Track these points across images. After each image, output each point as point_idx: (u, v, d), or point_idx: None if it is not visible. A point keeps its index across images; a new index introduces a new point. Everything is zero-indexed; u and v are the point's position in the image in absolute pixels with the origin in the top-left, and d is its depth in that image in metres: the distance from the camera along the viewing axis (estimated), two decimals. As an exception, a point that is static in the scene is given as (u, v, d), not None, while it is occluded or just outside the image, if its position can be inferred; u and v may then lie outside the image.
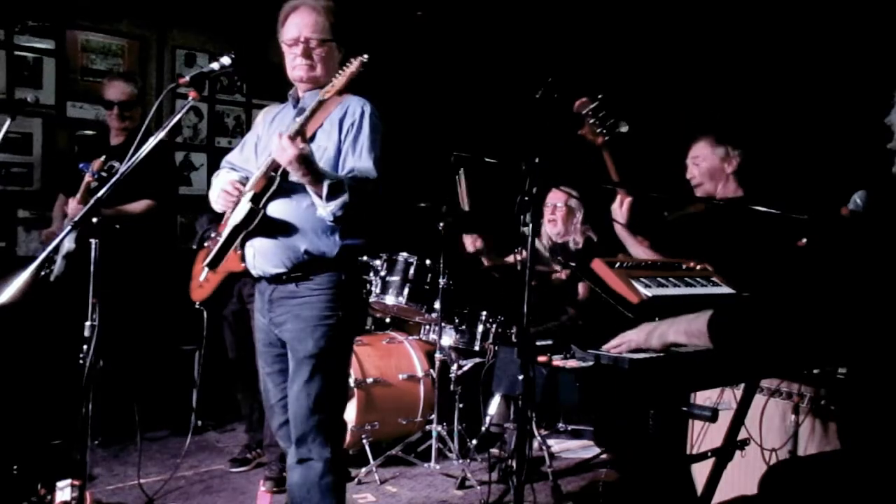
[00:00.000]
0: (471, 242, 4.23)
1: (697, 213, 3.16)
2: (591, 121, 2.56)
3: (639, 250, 2.86)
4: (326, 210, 2.36)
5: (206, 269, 2.65)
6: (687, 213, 3.19)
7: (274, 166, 2.41)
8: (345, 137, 2.48)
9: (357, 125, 2.47)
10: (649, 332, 1.83)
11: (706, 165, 3.18)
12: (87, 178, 3.64)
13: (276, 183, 2.43)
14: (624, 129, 2.55)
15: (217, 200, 2.59)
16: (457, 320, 4.21)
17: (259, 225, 2.46)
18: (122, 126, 4.13)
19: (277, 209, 2.48)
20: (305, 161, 2.30)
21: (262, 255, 2.53)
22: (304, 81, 2.57)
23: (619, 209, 2.87)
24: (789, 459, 2.59)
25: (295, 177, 2.37)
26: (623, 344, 1.84)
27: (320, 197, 2.35)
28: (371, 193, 2.42)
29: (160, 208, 4.07)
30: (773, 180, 3.67)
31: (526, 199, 1.89)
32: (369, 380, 4.01)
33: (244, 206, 2.46)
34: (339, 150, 2.49)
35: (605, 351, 1.80)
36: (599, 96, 2.36)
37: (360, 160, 2.46)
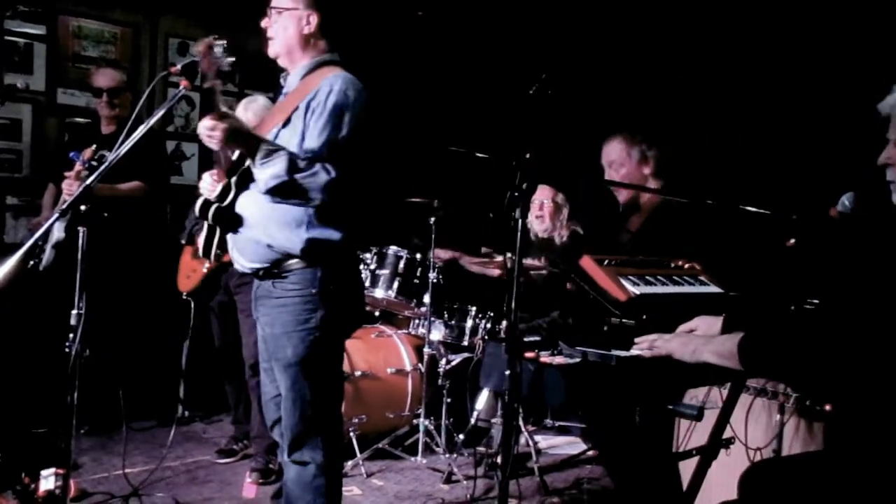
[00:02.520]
0: (441, 256, 4.22)
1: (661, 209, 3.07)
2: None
3: None
4: (260, 179, 2.28)
5: (204, 259, 2.65)
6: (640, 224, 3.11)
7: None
8: (309, 118, 2.36)
9: (322, 105, 2.34)
10: (685, 343, 1.82)
11: (625, 171, 3.07)
12: (78, 166, 3.62)
13: (246, 161, 2.38)
14: None
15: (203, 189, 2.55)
16: (446, 315, 4.22)
17: (231, 207, 2.42)
18: (112, 114, 4.12)
19: (242, 203, 2.44)
20: (232, 133, 2.25)
21: (237, 250, 2.50)
22: (281, 58, 2.51)
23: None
24: (769, 459, 2.60)
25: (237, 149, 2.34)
26: (655, 348, 1.85)
27: (255, 165, 2.28)
28: (315, 175, 2.27)
29: (151, 192, 4.04)
30: (762, 181, 3.69)
31: (516, 195, 1.89)
32: (357, 373, 4.01)
33: (221, 183, 2.45)
34: (303, 134, 2.37)
35: (593, 349, 1.80)
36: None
37: (311, 140, 2.34)
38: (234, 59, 2.48)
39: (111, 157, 2.31)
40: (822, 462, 1.75)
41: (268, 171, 2.26)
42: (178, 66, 2.36)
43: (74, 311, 2.32)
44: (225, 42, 2.41)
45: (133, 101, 4.21)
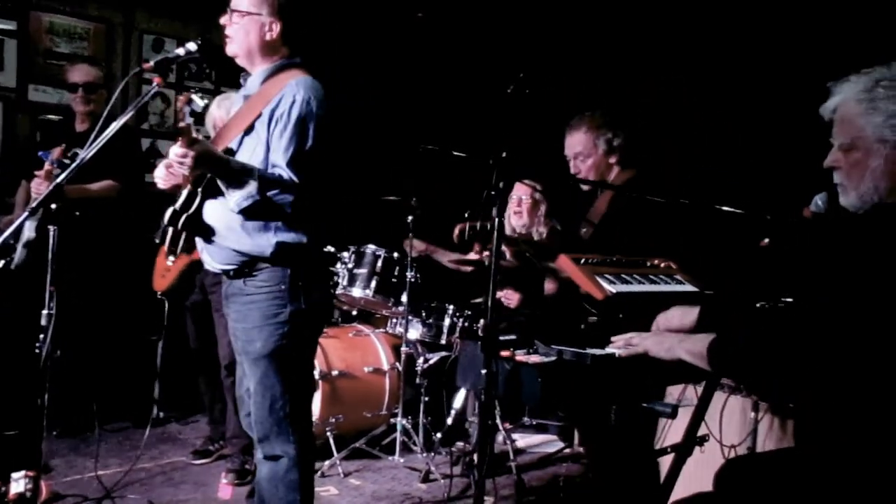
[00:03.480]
0: (415, 248, 4.21)
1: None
2: (480, 240, 2.51)
3: None
4: (232, 201, 2.29)
5: (170, 255, 2.62)
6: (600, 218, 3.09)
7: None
8: (273, 129, 2.35)
9: (286, 116, 2.33)
10: (660, 342, 1.85)
11: (591, 161, 3.00)
12: (47, 166, 3.56)
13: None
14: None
15: (159, 177, 2.50)
16: (424, 314, 4.21)
17: (197, 212, 2.41)
18: (87, 110, 4.06)
19: (209, 210, 2.43)
20: (205, 160, 2.25)
21: (207, 252, 2.51)
22: (241, 60, 2.49)
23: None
24: (744, 456, 2.63)
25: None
26: (630, 346, 1.86)
27: (226, 188, 2.29)
28: (286, 191, 2.29)
29: (124, 191, 3.99)
30: (737, 181, 3.72)
31: (493, 193, 1.89)
32: (335, 372, 3.99)
33: (186, 190, 2.44)
34: (268, 145, 2.37)
35: (567, 347, 1.81)
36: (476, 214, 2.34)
37: (277, 155, 2.33)
38: (207, 102, 2.50)
39: (83, 153, 2.28)
40: (795, 459, 1.77)
41: (240, 193, 2.28)
42: (152, 63, 2.33)
43: (45, 311, 2.29)
44: (202, 95, 2.39)
45: (107, 99, 4.16)
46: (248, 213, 2.32)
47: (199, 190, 2.41)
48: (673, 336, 1.83)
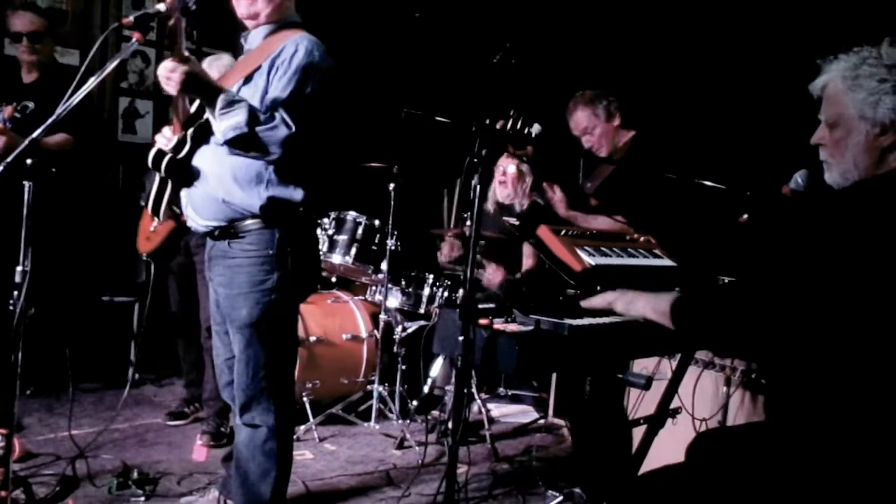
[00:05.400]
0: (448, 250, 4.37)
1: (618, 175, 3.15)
2: (511, 140, 2.51)
3: (595, 223, 2.90)
4: (219, 130, 2.24)
5: (153, 217, 2.58)
6: (605, 176, 3.18)
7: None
8: (273, 75, 2.32)
9: (287, 63, 2.30)
10: (621, 294, 1.88)
11: (599, 131, 3.17)
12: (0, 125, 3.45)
13: (205, 114, 2.32)
14: (536, 130, 2.52)
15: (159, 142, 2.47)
16: (403, 282, 4.21)
17: (187, 160, 2.37)
18: (34, 59, 3.83)
19: (201, 157, 2.38)
20: (193, 79, 2.19)
21: (192, 207, 2.45)
22: (246, 18, 2.45)
23: (555, 198, 3.00)
24: (715, 429, 2.68)
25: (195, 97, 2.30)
26: (591, 300, 1.89)
27: (214, 115, 2.23)
28: (276, 129, 2.23)
29: (79, 145, 3.83)
30: (716, 158, 3.73)
31: (475, 161, 1.88)
32: (312, 338, 3.99)
33: (177, 135, 2.40)
34: (266, 91, 2.33)
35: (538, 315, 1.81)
36: (511, 112, 2.33)
37: (274, 92, 2.29)
38: None
39: (59, 110, 2.22)
40: (763, 433, 1.81)
41: (227, 122, 2.21)
42: (131, 18, 2.26)
43: (19, 268, 2.26)
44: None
45: (83, 55, 4.05)
46: (235, 146, 2.25)
47: (189, 135, 2.37)
48: (635, 293, 1.85)
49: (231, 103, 2.22)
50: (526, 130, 2.38)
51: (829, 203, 1.66)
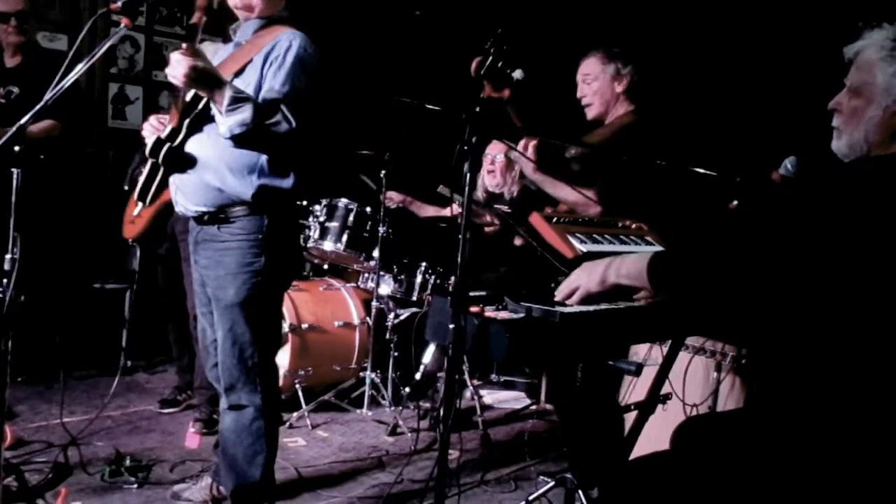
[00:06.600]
0: (392, 199, 4.23)
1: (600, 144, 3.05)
2: (490, 78, 2.45)
3: (560, 191, 2.83)
4: (224, 126, 2.27)
5: (139, 203, 2.58)
6: (588, 146, 3.08)
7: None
8: (267, 70, 2.36)
9: (282, 57, 2.35)
10: (589, 272, 1.79)
11: (597, 85, 3.02)
12: None
13: (201, 103, 2.35)
14: (518, 75, 2.48)
15: (146, 131, 2.51)
16: (395, 269, 4.21)
17: (181, 147, 2.38)
18: (20, 41, 3.79)
19: (195, 144, 2.41)
20: (201, 74, 2.20)
21: (182, 192, 2.47)
22: (240, 9, 2.49)
23: (527, 155, 2.80)
24: (702, 415, 2.69)
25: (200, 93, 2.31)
26: (575, 293, 1.82)
27: (220, 111, 2.26)
28: (279, 123, 2.29)
29: (65, 131, 3.76)
30: (706, 144, 3.73)
31: (465, 148, 1.87)
32: (304, 325, 3.99)
33: (172, 123, 2.41)
34: (260, 85, 2.37)
35: (536, 303, 1.81)
36: (490, 49, 2.28)
37: (272, 87, 2.33)
38: None
39: (48, 96, 2.20)
40: (748, 418, 1.81)
41: (234, 118, 2.24)
42: (119, 3, 2.25)
43: (8, 256, 2.24)
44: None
45: (71, 40, 4.00)
46: (238, 141, 2.30)
47: (186, 123, 2.38)
48: (601, 263, 1.78)
49: (237, 100, 2.25)
50: (508, 71, 2.34)
51: (832, 180, 1.63)
